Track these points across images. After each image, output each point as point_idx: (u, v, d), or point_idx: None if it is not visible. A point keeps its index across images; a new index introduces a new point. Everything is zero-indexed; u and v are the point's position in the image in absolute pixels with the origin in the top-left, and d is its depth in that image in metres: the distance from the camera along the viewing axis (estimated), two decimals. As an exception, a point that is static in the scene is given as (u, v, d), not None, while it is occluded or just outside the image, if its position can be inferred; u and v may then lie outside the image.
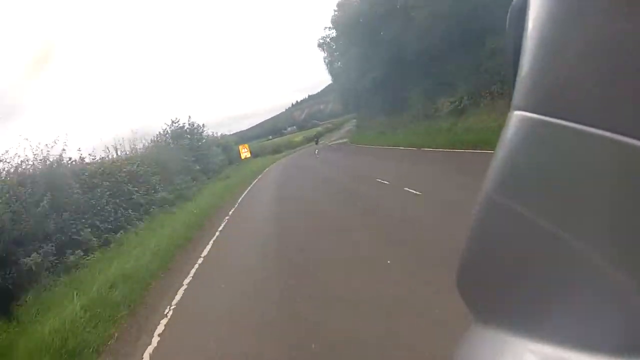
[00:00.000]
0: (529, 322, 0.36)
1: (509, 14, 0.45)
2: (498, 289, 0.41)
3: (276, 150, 47.86)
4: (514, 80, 0.38)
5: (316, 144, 45.41)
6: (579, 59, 0.31)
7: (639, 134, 0.27)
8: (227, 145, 32.38)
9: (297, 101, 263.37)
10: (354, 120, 74.32)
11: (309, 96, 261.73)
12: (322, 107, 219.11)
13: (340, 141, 41.77)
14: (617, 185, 0.29)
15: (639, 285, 0.28)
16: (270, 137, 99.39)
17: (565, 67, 0.32)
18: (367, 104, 32.65)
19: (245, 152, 31.30)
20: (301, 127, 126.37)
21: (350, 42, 30.67)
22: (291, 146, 53.24)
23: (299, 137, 65.92)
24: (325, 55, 39.06)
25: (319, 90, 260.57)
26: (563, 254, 0.33)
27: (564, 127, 0.31)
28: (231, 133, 41.82)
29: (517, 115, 0.36)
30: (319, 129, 76.54)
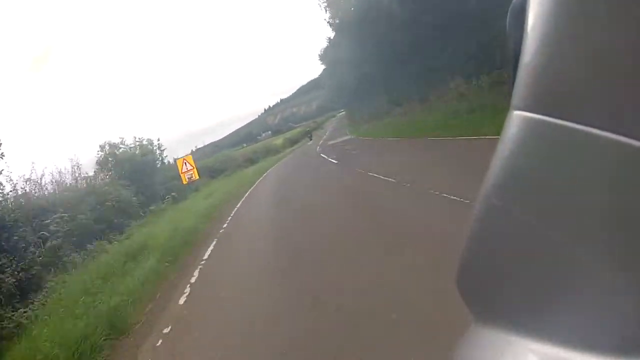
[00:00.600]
0: (529, 322, 0.35)
1: (509, 14, 0.42)
2: (498, 289, 0.40)
3: (251, 160, 31.34)
4: (514, 80, 0.36)
5: (310, 139, 39.38)
6: (579, 59, 0.30)
7: (639, 134, 0.26)
8: (146, 162, 16.12)
9: (269, 106, 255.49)
10: (341, 114, 60.33)
11: (281, 100, 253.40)
12: (295, 109, 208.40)
13: (345, 138, 27.24)
14: (617, 186, 0.28)
15: (637, 285, 0.27)
16: (245, 144, 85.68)
17: (566, 67, 0.31)
18: (376, 83, 24.56)
19: (188, 172, 15.44)
20: (276, 132, 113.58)
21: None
22: (272, 151, 37.87)
23: (279, 139, 49.69)
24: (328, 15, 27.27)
25: (290, 93, 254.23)
26: (563, 255, 0.32)
27: (564, 127, 0.30)
28: (205, 144, 31.35)
29: (516, 115, 0.34)
30: (301, 128, 63.19)
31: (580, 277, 0.31)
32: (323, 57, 39.21)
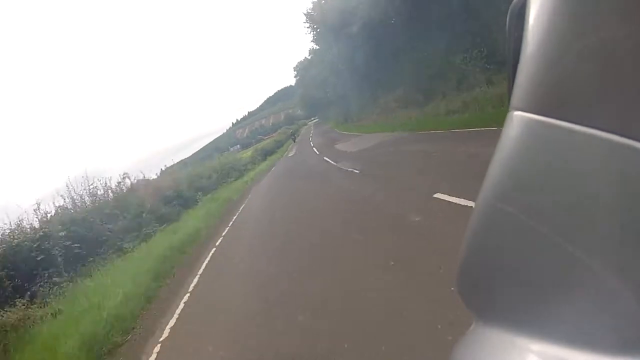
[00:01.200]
0: (529, 322, 0.34)
1: (508, 14, 0.41)
2: (498, 289, 0.39)
3: (181, 197, 13.04)
4: (514, 81, 0.35)
5: (294, 141, 35.50)
6: (579, 59, 0.29)
7: (639, 135, 0.25)
8: None
9: (237, 119, 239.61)
10: (314, 121, 54.37)
11: (248, 113, 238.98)
12: (263, 121, 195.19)
13: (364, 138, 14.01)
14: (616, 187, 0.27)
15: (637, 285, 0.27)
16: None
17: (565, 68, 0.30)
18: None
19: None
20: (245, 145, 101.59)
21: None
22: (235, 171, 20.80)
23: (247, 152, 35.48)
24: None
25: (257, 105, 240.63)
26: (563, 255, 0.31)
27: (564, 128, 0.29)
28: (174, 162, 22.96)
29: (516, 115, 0.33)
30: (270, 139, 52.42)
31: (581, 277, 0.30)
32: (312, 19, 26.54)
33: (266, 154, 29.96)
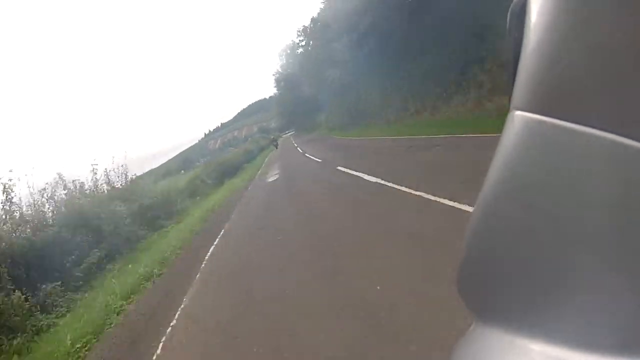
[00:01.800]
0: (529, 322, 0.34)
1: (509, 14, 0.40)
2: (498, 289, 0.38)
3: None
4: (514, 80, 0.34)
5: (276, 147, 33.68)
6: (580, 59, 0.28)
7: (639, 135, 0.25)
8: None
9: (209, 130, 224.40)
10: (290, 133, 53.16)
11: (221, 124, 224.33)
12: (236, 133, 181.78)
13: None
14: (616, 187, 0.27)
15: (637, 285, 0.27)
16: (182, 171, 59.46)
17: (566, 68, 0.29)
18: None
19: None
20: (215, 158, 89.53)
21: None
22: (119, 230, 7.78)
23: (191, 172, 20.65)
24: None
25: (231, 117, 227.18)
26: (563, 255, 0.31)
27: (564, 128, 0.29)
28: (144, 172, 14.95)
29: (517, 115, 0.33)
30: (238, 150, 44.11)
31: (581, 277, 0.29)
32: None
33: (225, 174, 17.20)
